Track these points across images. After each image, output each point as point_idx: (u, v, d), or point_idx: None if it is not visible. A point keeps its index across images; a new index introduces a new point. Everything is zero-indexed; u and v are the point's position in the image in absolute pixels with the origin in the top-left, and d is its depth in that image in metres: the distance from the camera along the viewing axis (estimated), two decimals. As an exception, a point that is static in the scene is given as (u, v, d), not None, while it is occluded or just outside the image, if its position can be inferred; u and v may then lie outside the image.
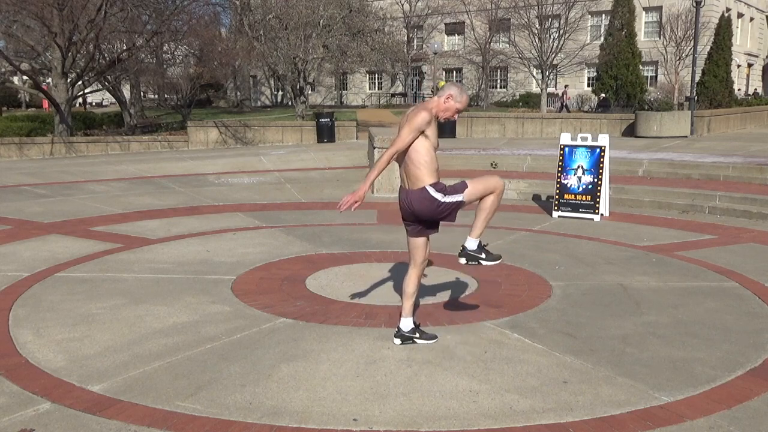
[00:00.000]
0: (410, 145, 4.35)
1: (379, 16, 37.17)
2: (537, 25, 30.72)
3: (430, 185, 4.41)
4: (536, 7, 30.92)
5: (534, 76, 38.28)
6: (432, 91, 42.12)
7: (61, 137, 20.52)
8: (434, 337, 4.76)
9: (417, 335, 4.72)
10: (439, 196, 4.40)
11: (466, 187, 4.44)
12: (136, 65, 26.44)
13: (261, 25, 31.23)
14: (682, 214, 10.33)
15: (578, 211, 10.04)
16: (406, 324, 4.70)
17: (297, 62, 27.64)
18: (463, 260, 4.66)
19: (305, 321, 5.21)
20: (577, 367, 4.33)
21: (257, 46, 29.58)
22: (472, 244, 4.60)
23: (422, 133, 4.33)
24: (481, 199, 4.50)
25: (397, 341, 4.69)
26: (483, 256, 4.60)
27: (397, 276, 6.50)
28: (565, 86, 36.24)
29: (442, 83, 28.49)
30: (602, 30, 36.28)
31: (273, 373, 4.22)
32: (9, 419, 3.61)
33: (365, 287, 6.13)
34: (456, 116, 4.57)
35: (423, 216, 4.51)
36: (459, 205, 4.45)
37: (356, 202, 4.37)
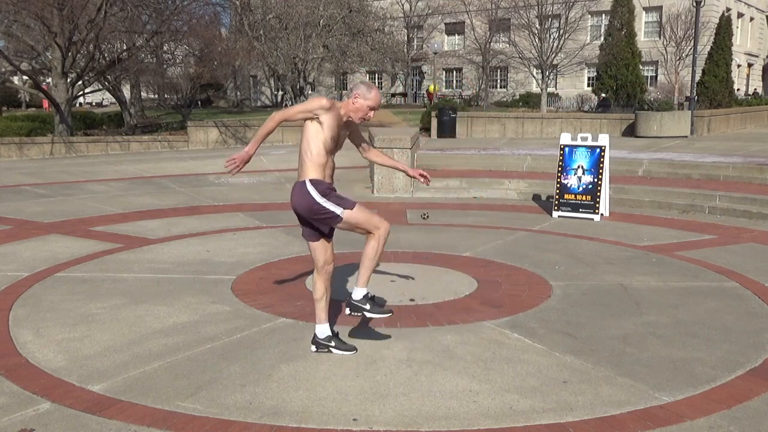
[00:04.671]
0: (305, 133, 4.21)
1: (379, 16, 37.19)
2: (537, 25, 30.69)
3: (311, 180, 4.21)
4: (536, 7, 30.90)
5: (534, 76, 38.25)
6: (426, 92, 42.05)
7: (61, 137, 20.53)
8: (353, 349, 4.49)
9: (333, 344, 4.48)
10: (316, 195, 4.19)
11: (352, 207, 4.23)
12: (136, 65, 26.45)
13: (261, 25, 31.23)
14: (682, 214, 10.34)
15: (578, 211, 10.04)
16: (322, 331, 4.50)
17: (297, 62, 27.65)
18: (347, 310, 4.47)
19: (305, 321, 5.20)
20: (577, 367, 4.33)
21: (257, 46, 29.59)
22: (357, 293, 4.40)
23: (316, 119, 4.14)
24: (366, 239, 4.32)
25: (313, 348, 4.51)
26: (368, 307, 4.38)
27: (398, 276, 6.50)
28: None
29: (432, 87, 28.02)
30: (602, 30, 36.27)
31: (273, 373, 4.22)
32: (9, 419, 3.61)
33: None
34: (371, 114, 4.28)
35: (298, 211, 4.32)
36: (334, 218, 4.22)
37: (243, 161, 4.22)
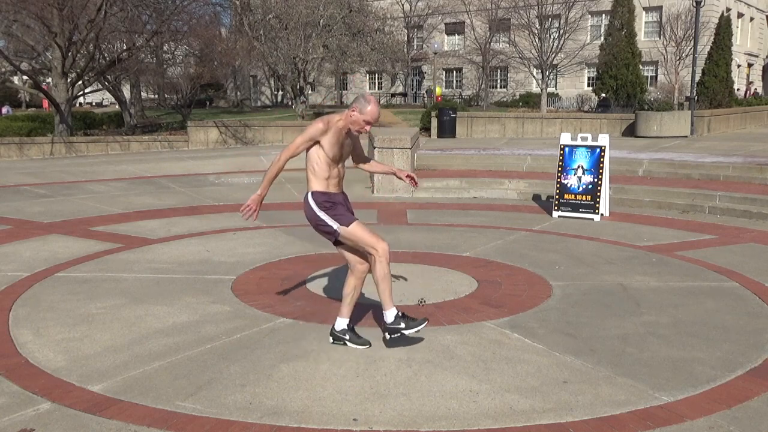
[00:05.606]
0: (308, 151, 4.39)
1: (379, 16, 37.17)
2: (537, 25, 30.70)
3: (313, 192, 4.41)
4: (536, 7, 30.90)
5: (534, 76, 38.26)
6: (425, 92, 42.13)
7: (61, 137, 20.52)
8: (367, 343, 4.62)
9: (347, 337, 4.62)
10: (315, 207, 4.38)
11: (349, 225, 4.35)
12: (136, 65, 26.44)
13: (261, 25, 31.21)
14: (682, 214, 10.34)
15: (578, 211, 10.04)
16: (340, 324, 4.65)
17: (297, 62, 27.64)
18: (387, 335, 4.60)
19: (305, 321, 5.21)
20: (577, 367, 4.33)
21: (257, 46, 29.57)
22: (388, 316, 4.53)
23: (317, 142, 4.32)
24: (369, 266, 4.46)
25: (330, 339, 4.68)
26: (402, 326, 4.51)
27: (398, 276, 6.49)
28: (750, 82, 35.71)
29: (438, 89, 28.01)
30: (602, 30, 36.28)
31: (273, 373, 4.22)
32: (9, 419, 3.61)
33: (365, 287, 6.11)
34: (367, 128, 4.37)
35: (308, 220, 4.51)
36: (331, 231, 4.38)
37: (258, 203, 4.40)
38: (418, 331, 4.54)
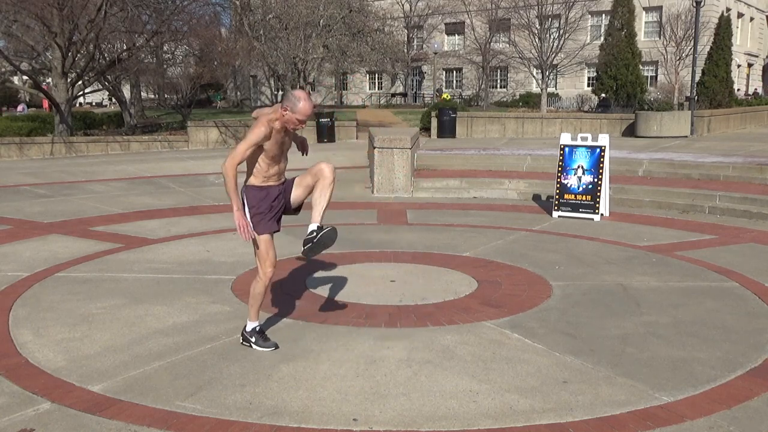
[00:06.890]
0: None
1: (379, 16, 37.15)
2: (537, 25, 30.72)
3: (250, 186, 4.43)
4: (536, 7, 30.92)
5: (534, 76, 38.28)
6: (436, 91, 42.23)
7: (61, 137, 20.54)
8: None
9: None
10: (245, 199, 4.40)
11: (260, 234, 4.40)
12: (136, 65, 26.45)
13: (261, 25, 31.20)
14: (682, 214, 10.33)
15: (578, 211, 10.04)
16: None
17: (297, 62, 27.65)
18: (241, 338, 4.70)
19: (305, 321, 5.21)
20: (577, 367, 4.33)
21: (257, 46, 29.56)
22: (248, 326, 4.66)
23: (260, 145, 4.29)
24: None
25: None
26: (253, 340, 4.60)
27: (398, 276, 6.50)
28: None
29: (445, 95, 28.06)
30: (602, 30, 36.28)
31: (273, 373, 4.22)
32: (9, 419, 3.61)
33: (365, 287, 6.13)
34: (301, 126, 4.32)
35: None
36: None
37: (247, 224, 4.34)
38: (268, 350, 4.59)
